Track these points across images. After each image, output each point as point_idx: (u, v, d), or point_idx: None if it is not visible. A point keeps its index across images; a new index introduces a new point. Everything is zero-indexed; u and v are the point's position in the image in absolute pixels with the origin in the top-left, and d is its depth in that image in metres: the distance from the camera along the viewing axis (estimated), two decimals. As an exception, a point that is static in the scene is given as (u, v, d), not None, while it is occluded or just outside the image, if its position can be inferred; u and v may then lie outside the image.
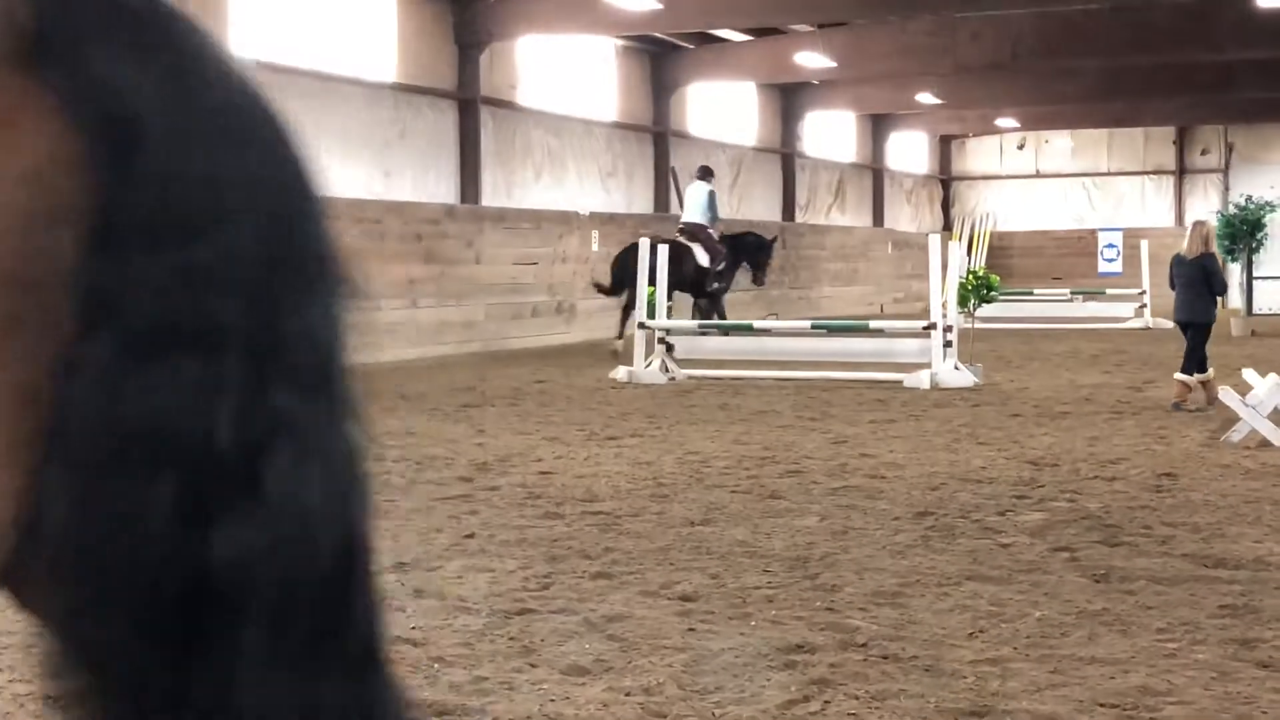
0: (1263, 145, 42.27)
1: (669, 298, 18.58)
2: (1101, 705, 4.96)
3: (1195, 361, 14.51)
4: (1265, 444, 11.38)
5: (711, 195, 23.56)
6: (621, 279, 21.83)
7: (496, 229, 23.76)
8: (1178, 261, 14.63)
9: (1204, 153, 43.04)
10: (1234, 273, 33.39)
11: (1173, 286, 14.79)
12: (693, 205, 23.57)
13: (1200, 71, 31.86)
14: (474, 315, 23.18)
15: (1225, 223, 27.16)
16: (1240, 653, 5.59)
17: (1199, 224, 14.77)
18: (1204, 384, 14.37)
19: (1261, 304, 27.07)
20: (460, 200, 23.92)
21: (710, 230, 23.31)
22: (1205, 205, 41.64)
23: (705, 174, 24.05)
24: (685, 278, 22.10)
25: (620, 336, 21.72)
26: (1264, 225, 26.60)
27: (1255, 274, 27.07)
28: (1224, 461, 10.66)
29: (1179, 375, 14.64)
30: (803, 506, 8.96)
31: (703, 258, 22.77)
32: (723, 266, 23.19)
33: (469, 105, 24.15)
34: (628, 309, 21.38)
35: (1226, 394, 11.90)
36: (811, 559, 7.40)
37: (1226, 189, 41.31)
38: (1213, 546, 7.61)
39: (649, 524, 8.40)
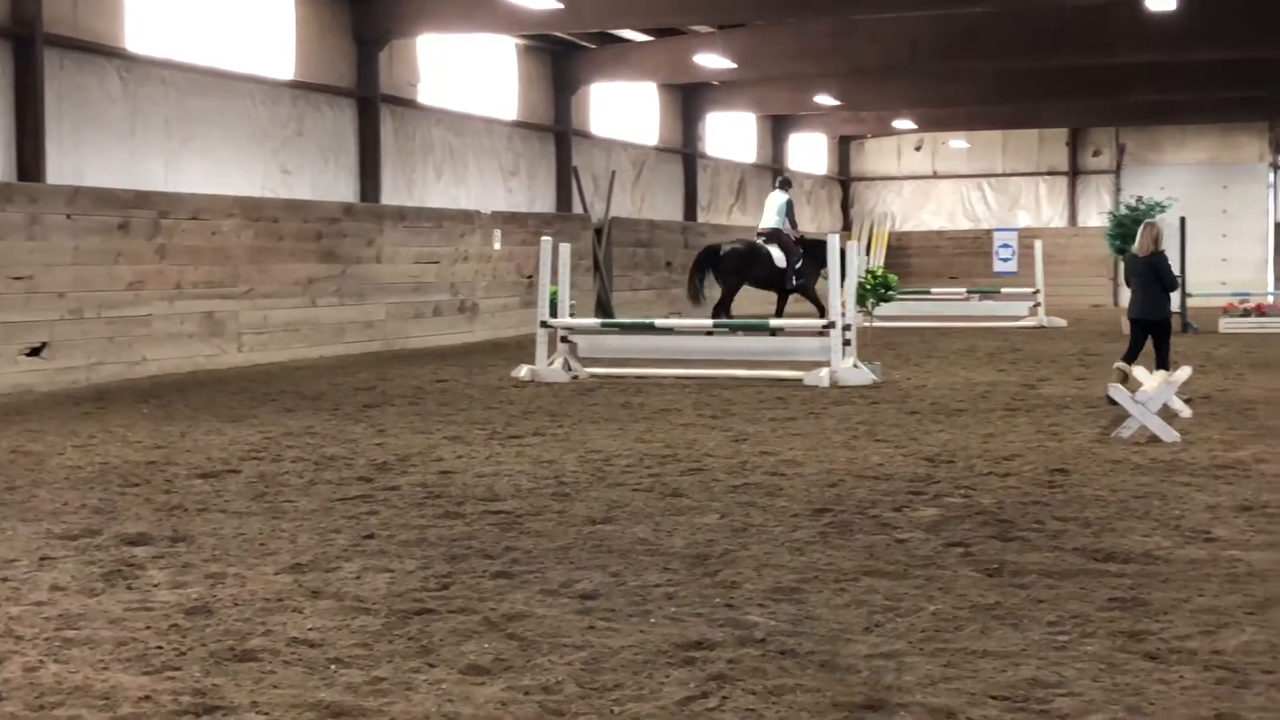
0: (1153, 147, 43.05)
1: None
2: (993, 697, 5.03)
3: (1166, 355, 14.90)
4: (1154, 440, 11.60)
5: (788, 203, 25.97)
6: (695, 282, 25.37)
7: (397, 228, 23.61)
8: (1130, 260, 15.09)
9: (1096, 154, 43.75)
10: (1122, 271, 34.02)
11: (1128, 285, 15.19)
12: (770, 212, 26.04)
13: (1093, 74, 32.38)
14: (375, 314, 23.02)
15: (1116, 223, 27.63)
16: (1129, 645, 5.69)
17: (1149, 224, 15.17)
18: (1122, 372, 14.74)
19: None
20: (360, 199, 23.74)
21: (786, 234, 25.64)
22: (1098, 206, 42.42)
23: (784, 185, 26.71)
24: (765, 277, 25.30)
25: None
26: (1154, 225, 27.03)
27: (1145, 273, 27.48)
28: (1114, 457, 10.84)
29: (1119, 363, 15.02)
30: (703, 504, 8.99)
31: (779, 259, 25.21)
32: (799, 265, 25.42)
33: (368, 103, 23.98)
34: (721, 305, 24.98)
35: (1116, 391, 12.10)
36: (711, 556, 7.43)
37: (1118, 190, 42.09)
38: (1103, 541, 7.74)
39: (550, 523, 8.39)
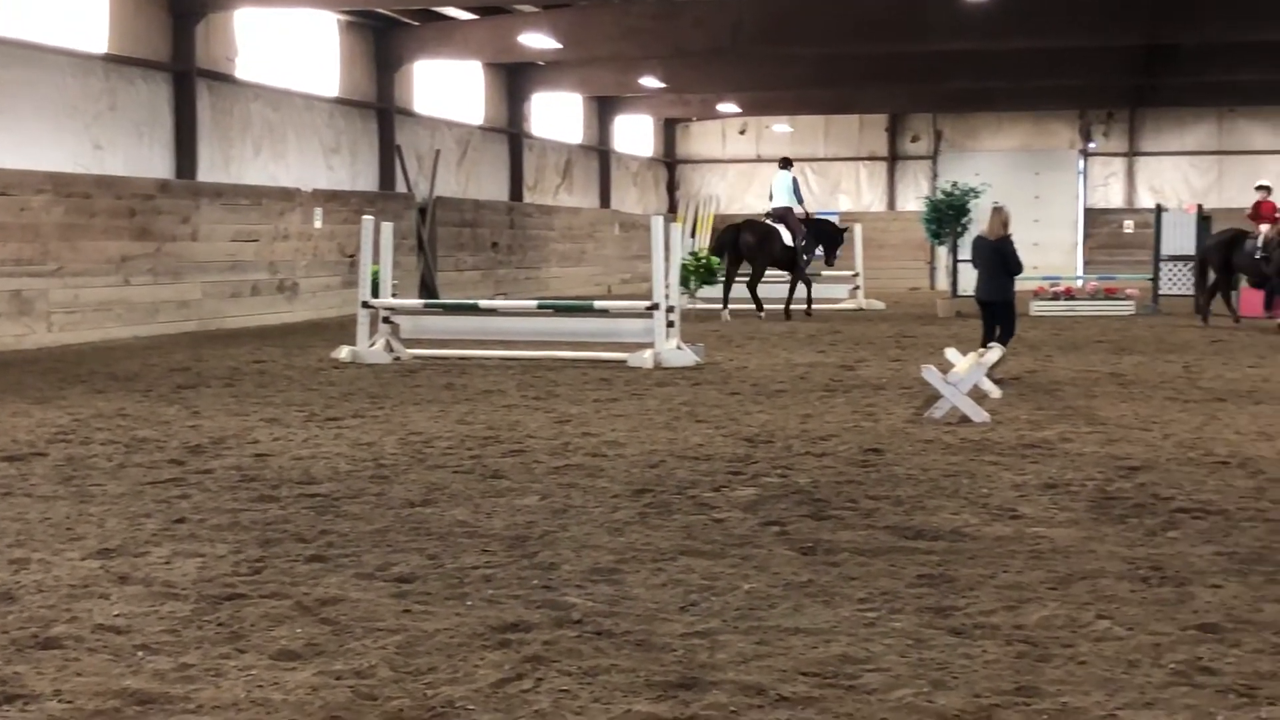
0: (969, 133, 44.09)
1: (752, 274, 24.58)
2: (804, 674, 5.12)
3: (1009, 335, 15.29)
4: (965, 420, 11.89)
5: (795, 181, 26.98)
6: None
7: (214, 205, 23.15)
8: (979, 244, 15.41)
9: (915, 140, 44.65)
10: (940, 256, 34.80)
11: (975, 267, 15.45)
12: (780, 192, 26.80)
13: (912, 62, 33.03)
14: (190, 294, 22.55)
15: (932, 208, 28.18)
16: (935, 620, 5.83)
17: (997, 209, 15.56)
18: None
19: (966, 286, 28.09)
20: (176, 175, 23.21)
21: (794, 213, 26.57)
22: (915, 191, 43.31)
23: (786, 164, 27.53)
24: (776, 256, 26.01)
25: (760, 307, 25.86)
26: (969, 210, 27.65)
27: (960, 258, 28.11)
28: (926, 437, 11.09)
29: (981, 349, 15.27)
30: (524, 486, 8.99)
31: (788, 238, 26.03)
32: (804, 243, 26.44)
33: (184, 77, 23.44)
34: (729, 283, 25.88)
35: (929, 372, 12.37)
36: (531, 538, 7.43)
37: (935, 175, 43.02)
38: (913, 519, 7.92)
39: (367, 506, 8.31)
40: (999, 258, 15.11)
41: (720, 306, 26.09)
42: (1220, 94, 38.75)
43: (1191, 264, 28.60)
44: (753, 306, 26.23)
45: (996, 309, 15.26)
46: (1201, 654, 5.35)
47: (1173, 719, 4.67)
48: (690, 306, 19.85)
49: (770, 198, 27.28)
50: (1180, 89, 38.08)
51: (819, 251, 27.67)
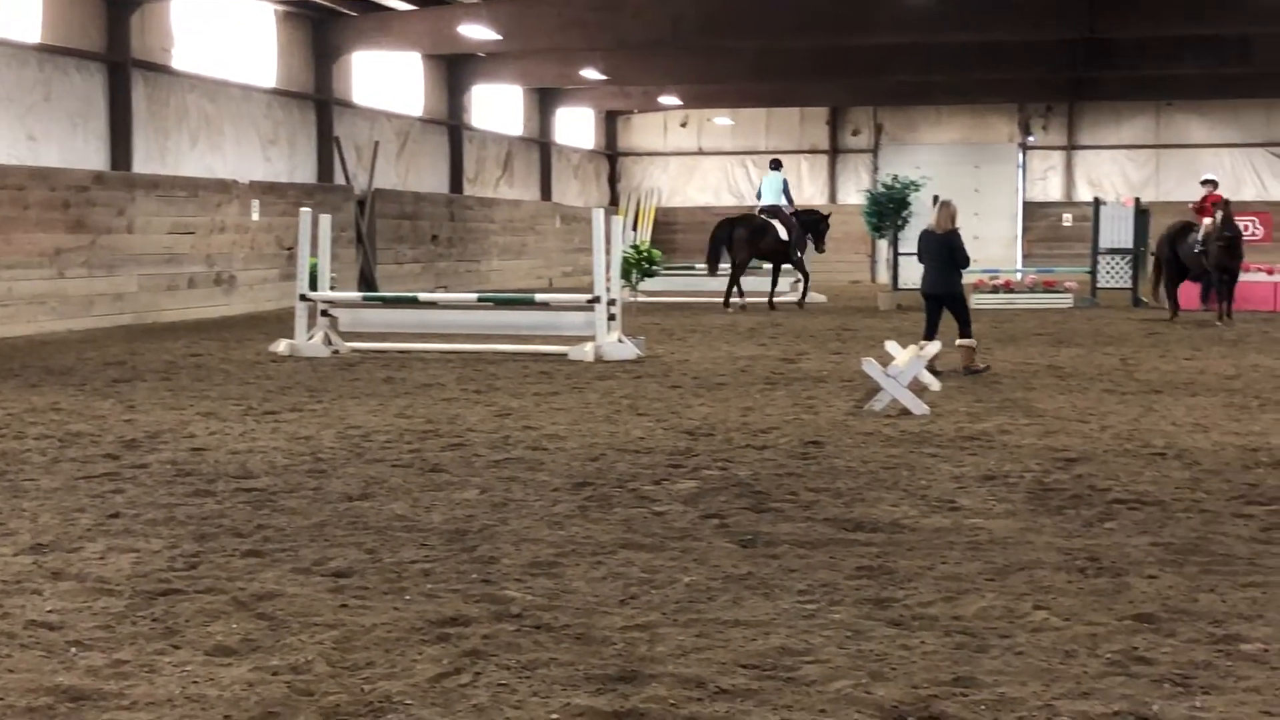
0: (909, 127, 44.32)
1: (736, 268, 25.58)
2: (743, 666, 5.13)
3: (968, 326, 15.43)
4: (905, 413, 11.96)
5: (785, 182, 27.95)
6: (713, 255, 27.23)
7: (150, 197, 22.93)
8: (926, 237, 15.42)
9: (855, 133, 44.83)
10: (881, 249, 34.97)
11: (921, 260, 15.57)
12: (770, 191, 27.68)
13: (852, 55, 33.16)
14: (126, 286, 22.33)
15: (873, 201, 28.32)
16: (874, 612, 5.86)
17: (945, 204, 15.56)
18: (967, 350, 15.39)
19: (907, 279, 28.28)
20: (111, 167, 22.98)
21: (785, 210, 27.38)
22: (856, 184, 43.48)
23: (777, 165, 28.53)
24: (771, 250, 26.96)
25: (727, 303, 26.75)
26: (909, 204, 27.80)
27: (901, 250, 28.28)
28: (866, 429, 11.14)
29: (961, 341, 15.44)
30: (464, 479, 8.96)
31: (783, 233, 26.83)
32: (797, 239, 27.38)
33: (119, 68, 23.20)
34: (734, 277, 26.90)
35: (869, 365, 12.42)
36: (470, 531, 7.41)
37: (876, 168, 43.19)
38: (853, 511, 7.95)
39: (305, 500, 8.26)
40: (947, 251, 15.17)
41: (736, 298, 26.89)
42: (1157, 88, 39.15)
43: (1129, 257, 28.91)
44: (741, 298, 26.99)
45: (945, 302, 15.33)
46: (1137, 644, 5.40)
47: (1109, 709, 4.71)
48: (632, 300, 19.84)
49: (759, 196, 28.07)
50: (1118, 83, 38.46)
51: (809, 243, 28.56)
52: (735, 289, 26.88)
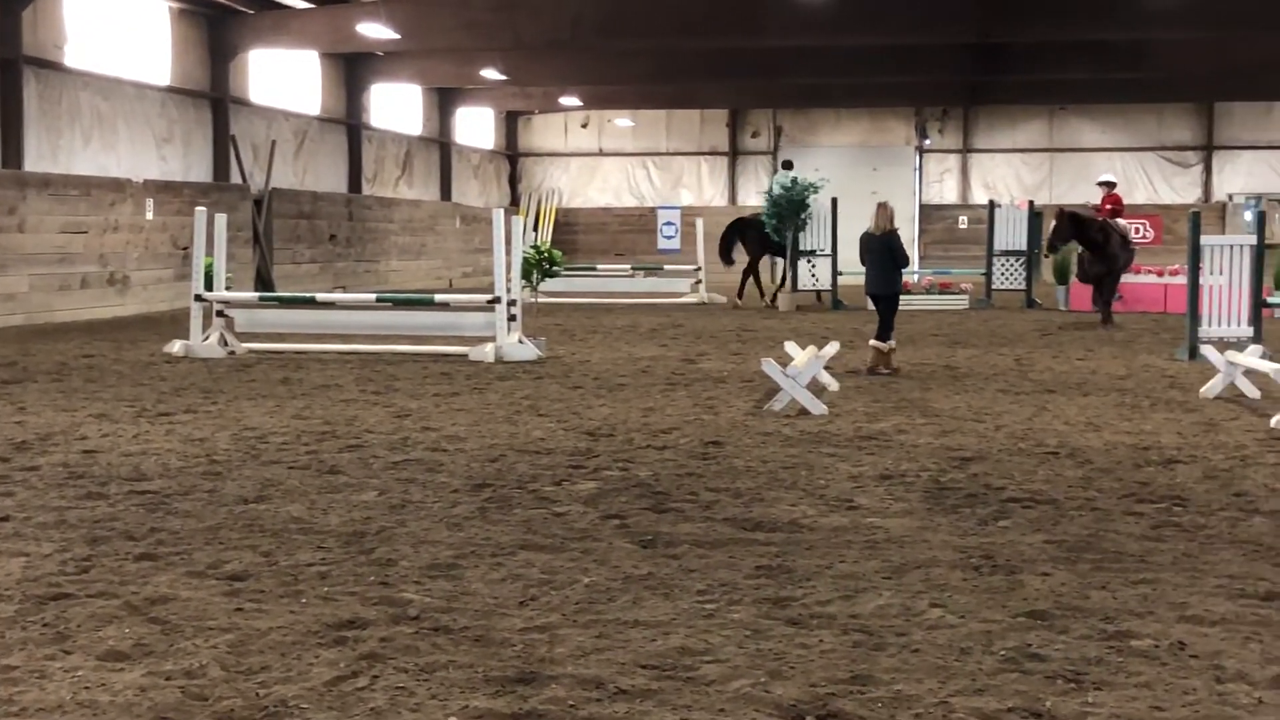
0: (808, 129, 44.65)
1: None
2: (642, 666, 5.12)
3: (887, 328, 15.63)
4: (804, 413, 12.03)
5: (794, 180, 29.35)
6: (725, 252, 28.60)
7: (41, 196, 22.50)
8: (866, 239, 15.64)
9: (755, 135, 45.09)
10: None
11: (863, 262, 15.80)
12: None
13: (751, 57, 33.32)
14: (16, 286, 21.90)
15: (772, 203, 28.42)
16: (773, 611, 5.88)
17: (883, 205, 15.87)
18: (888, 351, 15.61)
19: (806, 280, 28.46)
20: (1, 165, 22.52)
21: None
22: (756, 185, 43.69)
23: (789, 165, 29.72)
24: (782, 248, 28.20)
25: (740, 298, 28.31)
26: (808, 205, 27.96)
27: (802, 249, 28.44)
28: (766, 430, 11.19)
29: (874, 342, 15.69)
30: (362, 481, 8.89)
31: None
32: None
33: (10, 65, 22.74)
34: (746, 274, 28.38)
35: (768, 365, 12.48)
36: (368, 534, 7.35)
37: (775, 170, 43.42)
38: (752, 510, 7.98)
39: (199, 503, 8.15)
40: (888, 252, 15.48)
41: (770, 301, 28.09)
42: (1050, 93, 39.76)
43: (1023, 259, 29.30)
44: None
45: (885, 300, 15.66)
46: (1031, 640, 5.47)
47: (1003, 705, 4.76)
48: (532, 300, 19.78)
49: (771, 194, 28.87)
50: (1012, 88, 39.00)
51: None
52: (751, 283, 28.36)
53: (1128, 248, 23.20)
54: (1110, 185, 24.58)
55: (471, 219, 41.47)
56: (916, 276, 31.01)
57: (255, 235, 29.23)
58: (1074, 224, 22.42)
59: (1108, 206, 23.96)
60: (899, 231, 15.71)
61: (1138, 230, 41.60)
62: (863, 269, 15.88)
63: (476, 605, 5.95)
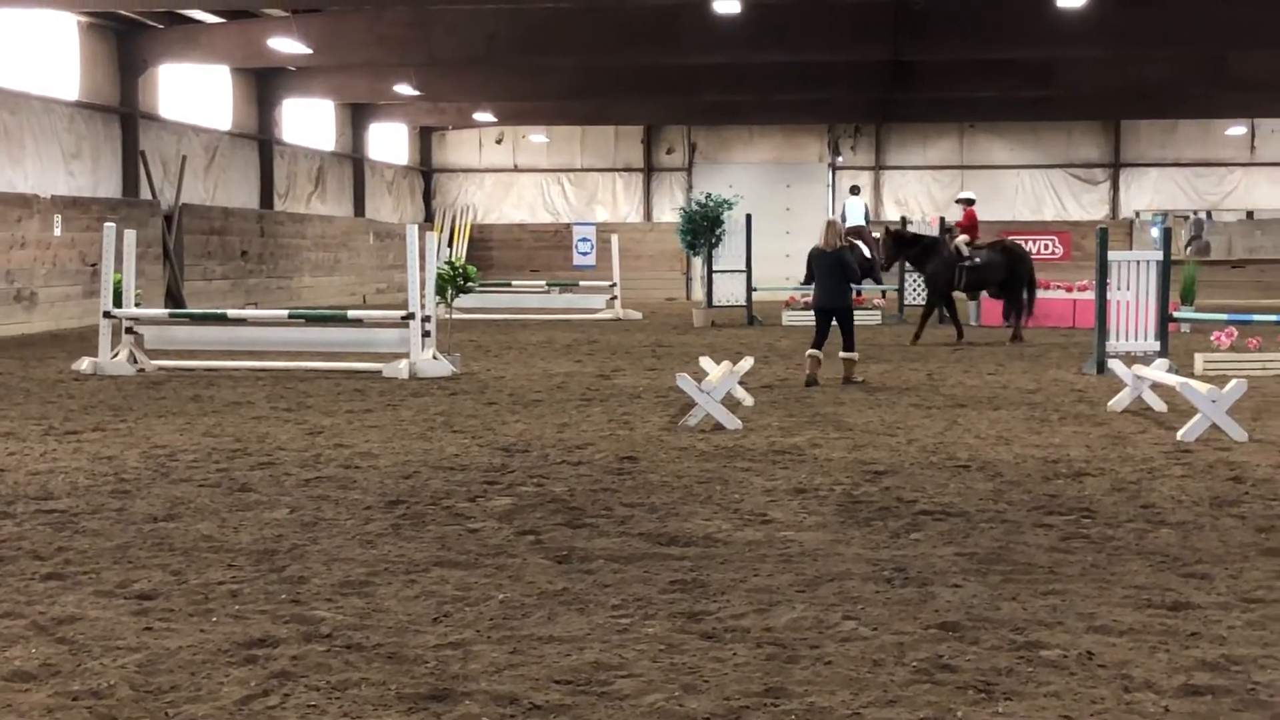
0: (722, 146, 44.83)
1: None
2: (556, 682, 5.12)
3: (849, 340, 16.03)
4: (719, 428, 12.08)
5: (865, 206, 31.50)
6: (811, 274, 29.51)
7: (-55, 211, 22.11)
8: (818, 255, 16.19)
9: (669, 151, 45.20)
10: (696, 267, 35.25)
11: (809, 279, 16.19)
12: (854, 215, 30.65)
13: (666, 74, 33.43)
14: (-81, 304, 21.51)
15: (687, 219, 28.52)
16: (688, 625, 5.90)
17: (832, 223, 16.48)
18: (849, 362, 16.08)
19: (721, 296, 28.59)
20: (-97, 179, 22.11)
21: (865, 230, 29.91)
22: (671, 202, 43.83)
23: (856, 191, 32.63)
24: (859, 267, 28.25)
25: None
26: (723, 222, 28.10)
27: (715, 268, 28.57)
28: (681, 444, 11.22)
29: (845, 354, 16.12)
30: (273, 499, 8.81)
31: (866, 251, 28.65)
32: (875, 256, 29.16)
33: (-87, 77, 22.35)
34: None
35: (683, 380, 12.51)
36: (279, 551, 7.29)
37: (690, 186, 43.60)
38: (667, 525, 8.00)
39: (108, 521, 8.04)
40: (840, 267, 15.94)
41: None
42: (960, 110, 40.18)
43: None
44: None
45: (838, 314, 16.05)
46: (942, 652, 5.52)
47: (915, 715, 4.80)
48: (447, 316, 19.69)
49: (843, 219, 29.58)
50: (923, 105, 39.37)
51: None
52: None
53: (948, 263, 23.09)
54: (969, 203, 24.87)
55: (386, 235, 41.25)
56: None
57: (165, 251, 28.90)
58: (896, 242, 23.03)
59: (961, 224, 24.28)
60: (847, 248, 16.20)
61: (1048, 246, 42.20)
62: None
63: (389, 622, 5.92)
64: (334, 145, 39.75)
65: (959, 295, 24.24)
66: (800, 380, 16.34)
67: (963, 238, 23.58)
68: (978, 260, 23.02)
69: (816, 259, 16.23)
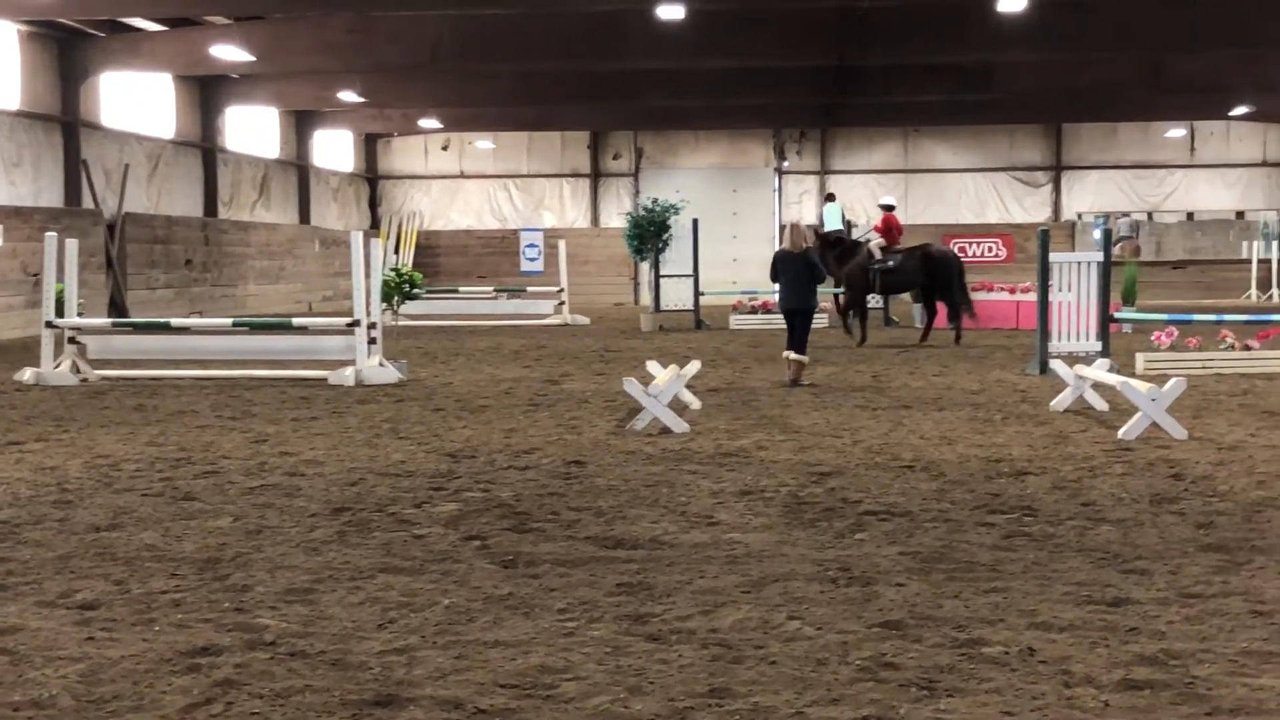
0: (669, 151, 44.90)
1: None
2: (502, 686, 5.12)
3: (803, 342, 16.25)
4: (666, 431, 12.10)
5: (842, 211, 30.23)
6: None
7: (-117, 222, 21.86)
8: (784, 258, 16.35)
9: (616, 157, 45.24)
10: (643, 272, 35.30)
11: (774, 279, 16.58)
12: (832, 219, 29.01)
13: (611, 80, 33.49)
14: None
15: (635, 225, 28.55)
16: (633, 628, 5.91)
17: (795, 225, 16.72)
18: (803, 363, 16.24)
19: (668, 300, 28.63)
20: None
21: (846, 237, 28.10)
22: (618, 207, 43.87)
23: (832, 198, 30.99)
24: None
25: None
26: (669, 226, 28.16)
27: (663, 273, 28.61)
28: (628, 448, 11.24)
29: (791, 355, 16.26)
30: (217, 507, 8.76)
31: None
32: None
33: None
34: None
35: (630, 384, 12.53)
36: (223, 560, 7.25)
37: (637, 192, 43.65)
38: (614, 528, 8.01)
39: (50, 532, 7.97)
40: (807, 269, 16.16)
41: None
42: (905, 114, 40.39)
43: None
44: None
45: (800, 315, 16.21)
46: (885, 650, 5.56)
47: (858, 714, 4.83)
48: (393, 323, 19.65)
49: (821, 224, 28.85)
50: (867, 109, 39.56)
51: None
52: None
53: (861, 266, 23.26)
54: (888, 208, 25.03)
55: (331, 242, 41.07)
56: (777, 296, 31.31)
57: (108, 261, 28.67)
58: (822, 244, 23.52)
59: (879, 228, 24.48)
60: (812, 250, 16.48)
61: (991, 249, 42.49)
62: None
63: (334, 629, 5.90)
64: (279, 153, 39.55)
65: (904, 298, 24.41)
66: (747, 384, 16.40)
67: (876, 241, 23.77)
68: (890, 264, 23.19)
69: (783, 261, 16.39)
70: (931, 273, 23.08)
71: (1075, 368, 13.90)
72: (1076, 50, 28.71)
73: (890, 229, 24.21)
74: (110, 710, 4.85)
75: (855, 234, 28.77)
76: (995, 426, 12.53)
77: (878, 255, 23.32)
